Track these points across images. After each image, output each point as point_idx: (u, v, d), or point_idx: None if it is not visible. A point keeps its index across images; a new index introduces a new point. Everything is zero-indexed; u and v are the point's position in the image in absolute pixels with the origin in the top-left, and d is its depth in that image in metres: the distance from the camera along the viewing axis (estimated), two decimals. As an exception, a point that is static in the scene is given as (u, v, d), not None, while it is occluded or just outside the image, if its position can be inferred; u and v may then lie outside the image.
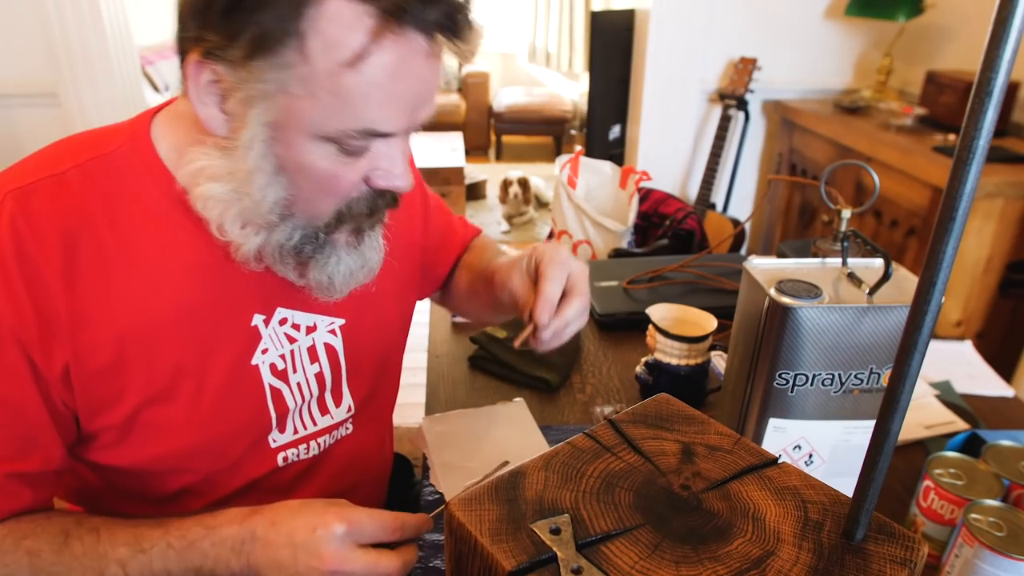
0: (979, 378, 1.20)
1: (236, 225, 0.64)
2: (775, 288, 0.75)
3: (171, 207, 0.66)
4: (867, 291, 0.76)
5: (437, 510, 0.70)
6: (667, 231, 1.98)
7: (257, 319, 0.72)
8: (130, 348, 0.65)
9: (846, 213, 1.04)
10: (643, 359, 1.11)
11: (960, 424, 1.04)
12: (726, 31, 2.65)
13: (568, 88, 5.78)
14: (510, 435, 1.01)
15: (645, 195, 2.16)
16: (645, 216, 2.11)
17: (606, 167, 2.08)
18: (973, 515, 0.74)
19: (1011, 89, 2.18)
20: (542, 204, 4.63)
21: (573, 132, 3.14)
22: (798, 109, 2.63)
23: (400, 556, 0.64)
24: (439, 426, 1.02)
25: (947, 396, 1.12)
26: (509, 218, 4.46)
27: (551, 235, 2.13)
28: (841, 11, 2.62)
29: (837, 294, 0.76)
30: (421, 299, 1.03)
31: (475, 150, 5.72)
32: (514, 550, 0.40)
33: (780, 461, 0.49)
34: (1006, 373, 1.38)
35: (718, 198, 2.78)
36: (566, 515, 0.43)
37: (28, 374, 0.62)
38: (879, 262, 0.84)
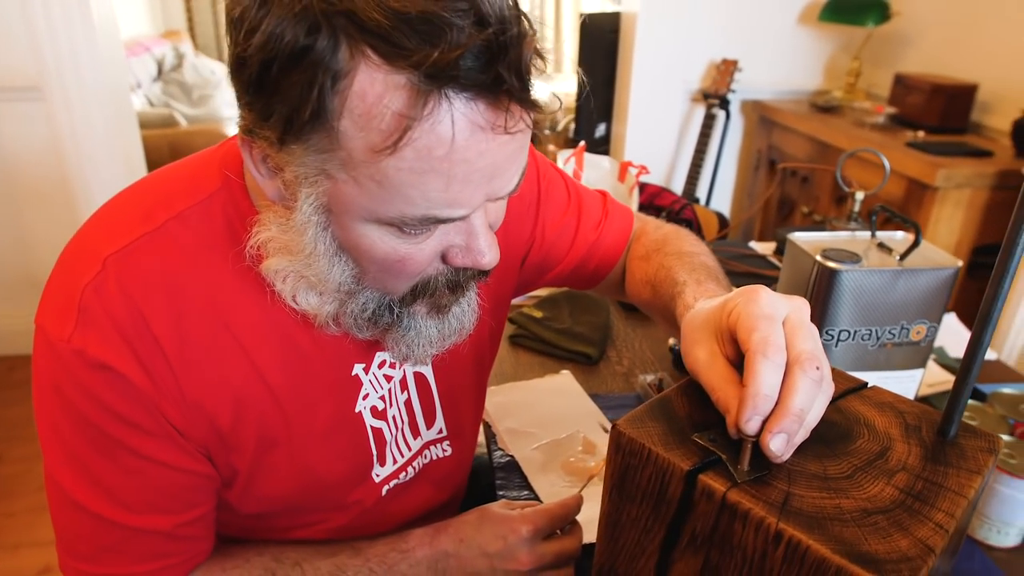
0: (966, 344, 1.34)
1: (309, 295, 0.60)
2: (821, 255, 0.85)
3: None
4: (898, 256, 0.87)
5: (583, 486, 0.80)
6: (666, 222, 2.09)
7: (357, 368, 0.71)
8: (244, 404, 0.64)
9: (860, 195, 1.16)
10: (676, 332, 1.21)
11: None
12: (708, 34, 2.79)
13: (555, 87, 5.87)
14: (564, 403, 1.10)
15: (641, 189, 2.27)
16: (642, 208, 2.22)
17: (605, 162, 2.18)
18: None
19: (968, 91, 2.36)
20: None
21: (556, 130, 3.25)
22: (777, 108, 2.78)
23: (575, 535, 0.74)
24: (497, 397, 1.11)
25: (943, 359, 1.25)
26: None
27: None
28: (814, 17, 2.79)
29: (870, 260, 0.87)
30: (519, 296, 0.96)
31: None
32: (686, 454, 0.49)
33: (870, 385, 0.59)
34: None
35: (701, 192, 2.92)
36: (718, 427, 0.52)
37: (172, 431, 0.61)
38: (900, 234, 0.95)
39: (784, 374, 0.49)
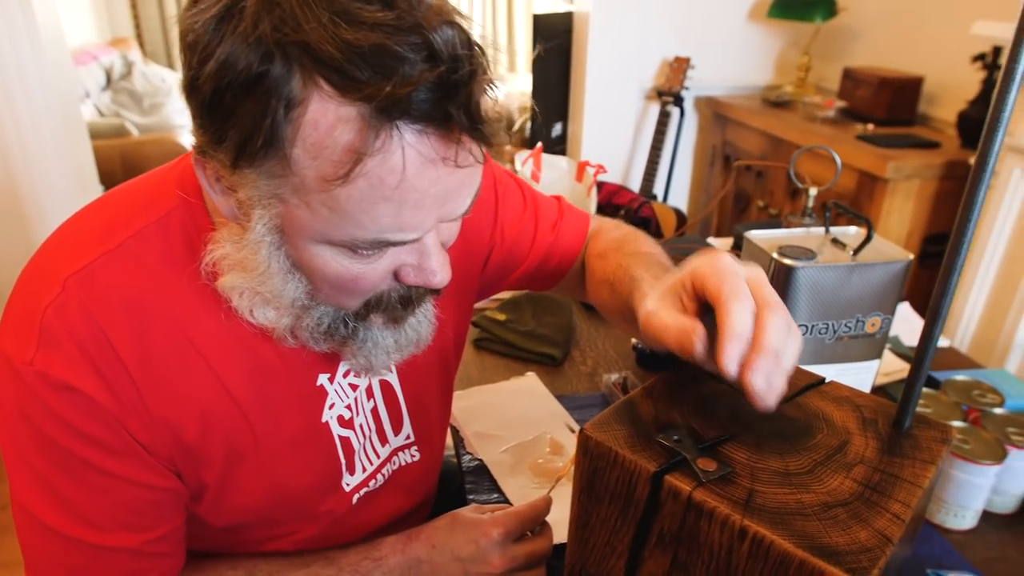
0: (919, 332, 1.38)
1: (266, 310, 0.61)
2: (777, 252, 0.87)
3: None
4: (851, 252, 0.89)
5: (552, 487, 0.80)
6: (624, 220, 2.11)
7: (322, 378, 0.71)
8: (211, 417, 0.64)
9: (813, 190, 1.18)
10: (639, 330, 1.22)
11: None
12: (661, 32, 2.82)
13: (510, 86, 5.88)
14: (530, 404, 1.10)
15: (598, 187, 2.29)
16: (600, 208, 2.24)
17: (562, 162, 2.19)
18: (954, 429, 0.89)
19: (915, 83, 2.43)
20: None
21: (512, 131, 3.25)
22: (730, 104, 2.83)
23: (546, 535, 0.75)
24: (464, 401, 1.11)
25: (898, 348, 1.28)
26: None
27: (513, 229, 2.23)
28: (763, 13, 2.84)
29: (825, 255, 0.90)
30: (482, 299, 0.96)
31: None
32: (652, 456, 0.50)
33: (828, 380, 0.61)
34: (941, 328, 1.56)
35: (658, 189, 2.95)
36: (682, 428, 0.53)
37: (139, 448, 0.61)
38: (853, 229, 0.98)
39: (755, 317, 0.51)
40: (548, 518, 0.79)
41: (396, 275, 0.59)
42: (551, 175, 2.17)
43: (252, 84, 0.47)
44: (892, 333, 1.33)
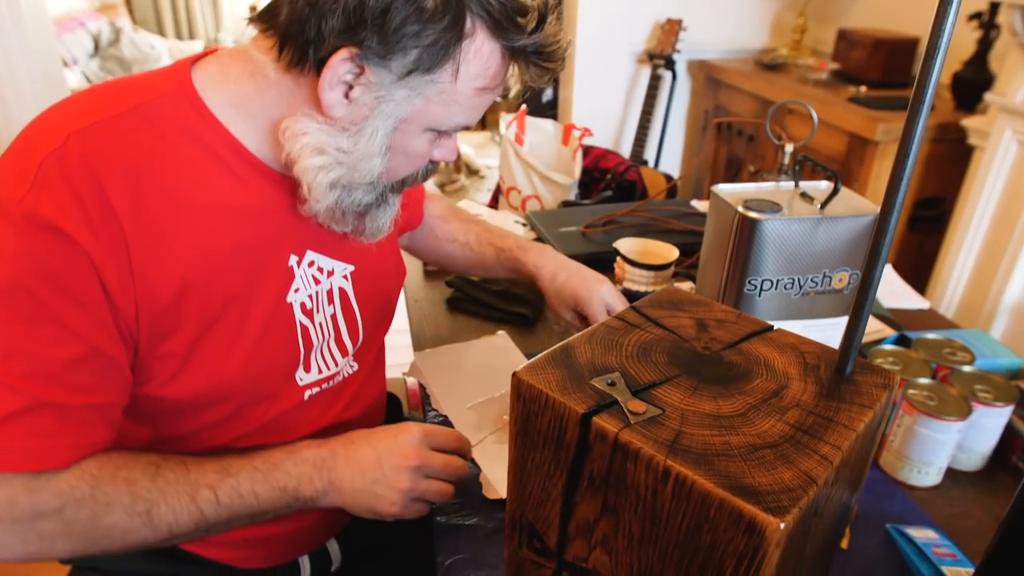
0: (900, 295, 1.37)
1: (325, 186, 0.70)
2: (743, 206, 0.85)
3: (225, 153, 0.70)
4: (819, 205, 0.88)
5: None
6: (610, 184, 2.09)
7: (292, 259, 0.76)
8: (190, 284, 0.67)
9: (789, 147, 1.16)
10: (612, 290, 1.21)
11: (888, 331, 1.19)
12: (652, -7, 2.77)
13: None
14: (500, 362, 1.10)
15: (586, 151, 2.26)
16: (587, 172, 2.21)
17: (548, 125, 2.17)
18: (911, 391, 0.88)
19: (910, 45, 2.38)
20: (472, 172, 4.68)
21: (508, 96, 3.21)
22: (722, 67, 2.78)
23: (462, 461, 0.77)
24: (433, 358, 1.10)
25: (877, 310, 1.27)
26: (441, 186, 4.49)
27: (498, 191, 2.21)
28: (757, -27, 2.79)
29: (793, 209, 0.88)
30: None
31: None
32: (582, 398, 0.49)
33: (775, 327, 0.59)
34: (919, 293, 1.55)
35: (649, 154, 2.92)
36: (617, 372, 0.52)
37: (104, 305, 0.63)
38: (824, 184, 0.96)
39: None
40: (495, 474, 0.84)
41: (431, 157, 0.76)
42: (536, 138, 2.15)
43: (438, 19, 0.63)
44: (871, 294, 1.32)
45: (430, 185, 1.18)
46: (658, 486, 0.44)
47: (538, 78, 0.73)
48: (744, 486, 0.41)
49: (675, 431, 0.46)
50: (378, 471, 0.72)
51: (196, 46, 5.03)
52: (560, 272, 1.06)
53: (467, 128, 0.75)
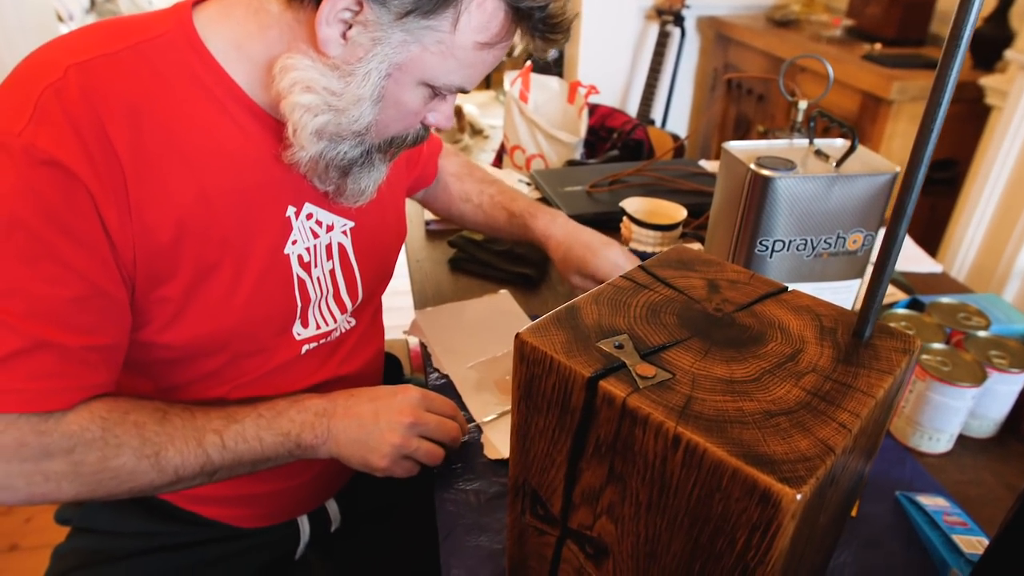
0: (912, 258, 1.34)
1: (311, 131, 0.68)
2: (755, 163, 0.82)
3: (223, 97, 0.69)
4: (834, 163, 0.84)
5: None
6: (616, 143, 2.04)
7: (290, 211, 0.76)
8: (187, 227, 0.67)
9: (803, 104, 1.12)
10: (618, 250, 1.18)
11: (900, 295, 1.16)
12: (662, -54, 2.68)
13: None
14: (502, 321, 1.08)
15: (592, 110, 2.21)
16: (592, 131, 2.16)
17: (553, 82, 2.11)
18: (924, 356, 0.86)
19: (928, 1, 2.31)
20: (476, 131, 4.61)
21: (513, 55, 3.14)
22: (733, 24, 2.70)
23: (456, 425, 0.78)
24: (434, 317, 1.08)
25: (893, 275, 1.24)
26: (445, 146, 4.43)
27: (502, 150, 2.16)
28: (771, -75, 2.69)
29: (807, 167, 0.84)
30: (409, 197, 1.11)
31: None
32: (589, 361, 0.47)
33: (790, 289, 0.57)
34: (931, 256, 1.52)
35: (656, 114, 2.86)
36: (625, 335, 0.50)
37: (105, 243, 0.63)
38: (840, 142, 0.92)
39: None
40: (497, 436, 0.84)
41: (423, 118, 0.75)
42: (541, 96, 2.09)
43: None
44: (882, 257, 1.29)
45: (447, 144, 1.16)
46: (668, 453, 0.42)
47: (542, 48, 0.71)
48: (758, 455, 0.39)
49: (686, 396, 0.44)
50: (373, 424, 0.73)
51: (195, 0, 4.92)
52: (567, 239, 1.05)
53: (463, 91, 0.73)
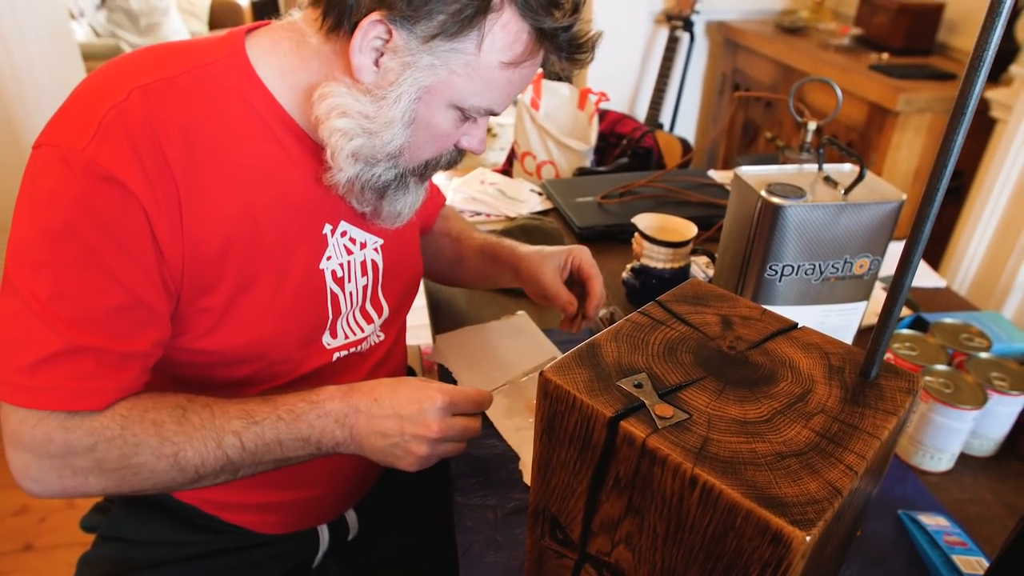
0: (917, 273, 1.36)
1: (347, 154, 0.72)
2: (766, 190, 0.85)
3: (271, 120, 0.73)
4: (843, 191, 0.87)
5: (500, 386, 0.86)
6: (626, 150, 2.06)
7: (327, 228, 0.80)
8: (233, 241, 0.71)
9: (812, 125, 1.15)
10: (628, 265, 1.21)
11: (906, 311, 1.19)
12: (672, -48, 2.69)
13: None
14: (523, 343, 1.10)
15: (602, 116, 2.23)
16: (603, 136, 2.19)
17: (564, 88, 2.13)
18: (927, 378, 0.89)
19: (935, 11, 2.32)
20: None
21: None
22: (741, 30, 2.72)
23: (479, 420, 0.78)
24: (455, 341, 1.10)
25: (892, 288, 1.26)
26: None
27: (512, 156, 2.19)
28: (781, -69, 2.70)
29: (816, 194, 0.87)
30: None
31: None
32: (610, 401, 0.50)
33: (800, 325, 0.60)
34: (933, 269, 1.54)
35: (665, 118, 2.88)
36: (643, 373, 0.53)
37: (153, 257, 0.66)
38: (848, 167, 0.95)
39: None
40: (524, 458, 0.85)
41: (456, 142, 0.78)
42: (552, 102, 2.12)
43: None
44: (887, 273, 1.31)
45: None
46: (685, 492, 0.45)
47: (568, 67, 0.74)
48: (771, 497, 0.42)
49: (702, 437, 0.47)
50: (399, 437, 0.73)
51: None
52: (538, 251, 1.03)
53: (493, 114, 0.75)
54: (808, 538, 0.40)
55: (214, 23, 4.97)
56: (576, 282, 1.00)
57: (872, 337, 0.53)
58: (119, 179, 0.63)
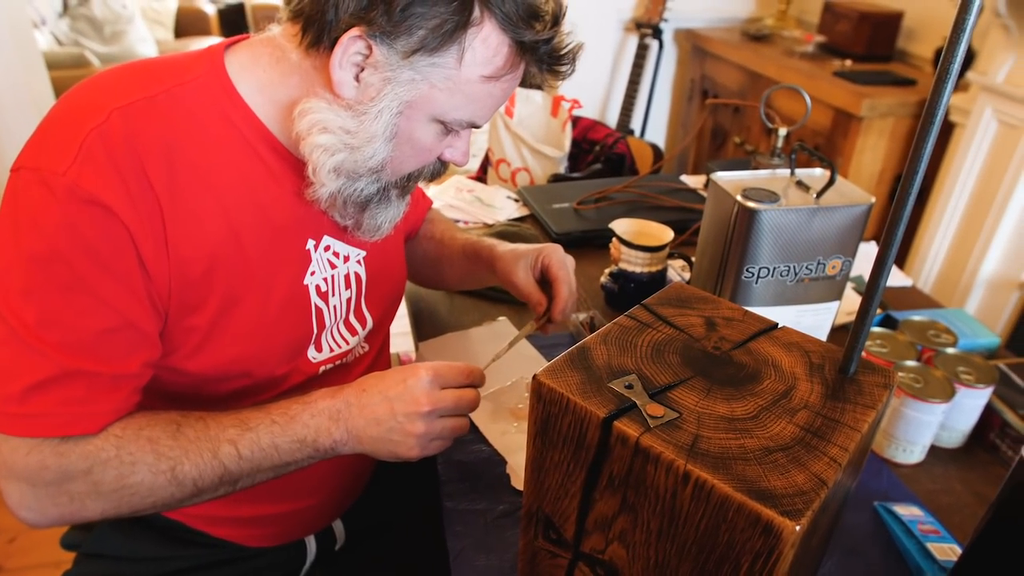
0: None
1: (329, 169, 0.72)
2: (741, 195, 0.87)
3: (252, 137, 0.73)
4: (815, 195, 0.90)
5: (490, 362, 0.87)
6: (599, 156, 2.09)
7: (310, 243, 0.79)
8: (217, 260, 0.71)
9: (783, 131, 1.18)
10: (607, 270, 1.23)
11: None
12: (639, -40, 2.74)
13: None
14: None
15: (574, 122, 2.26)
16: (575, 143, 2.21)
17: (537, 96, 2.16)
18: (899, 373, 0.92)
19: (894, 18, 2.39)
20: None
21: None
22: (709, 37, 2.77)
23: (473, 391, 0.76)
24: (437, 347, 1.11)
25: (862, 288, 1.30)
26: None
27: (486, 163, 2.20)
28: (745, -59, 2.77)
29: (789, 198, 0.90)
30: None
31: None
32: (602, 402, 0.51)
33: (780, 325, 0.62)
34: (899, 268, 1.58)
35: (636, 123, 2.92)
36: (633, 375, 0.54)
37: (140, 278, 0.66)
38: (819, 171, 0.98)
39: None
40: (511, 462, 0.85)
41: (439, 154, 0.78)
42: (525, 109, 2.14)
43: (445, 2, 0.65)
44: (857, 273, 1.35)
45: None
46: (678, 488, 0.47)
47: (550, 79, 0.75)
48: (761, 490, 0.44)
49: (693, 435, 0.48)
50: (392, 419, 0.72)
51: (170, 6, 4.90)
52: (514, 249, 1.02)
53: (475, 127, 0.76)
54: (798, 528, 0.42)
55: (180, 31, 4.92)
56: (546, 281, 0.98)
57: (850, 335, 0.55)
58: (103, 201, 0.62)
